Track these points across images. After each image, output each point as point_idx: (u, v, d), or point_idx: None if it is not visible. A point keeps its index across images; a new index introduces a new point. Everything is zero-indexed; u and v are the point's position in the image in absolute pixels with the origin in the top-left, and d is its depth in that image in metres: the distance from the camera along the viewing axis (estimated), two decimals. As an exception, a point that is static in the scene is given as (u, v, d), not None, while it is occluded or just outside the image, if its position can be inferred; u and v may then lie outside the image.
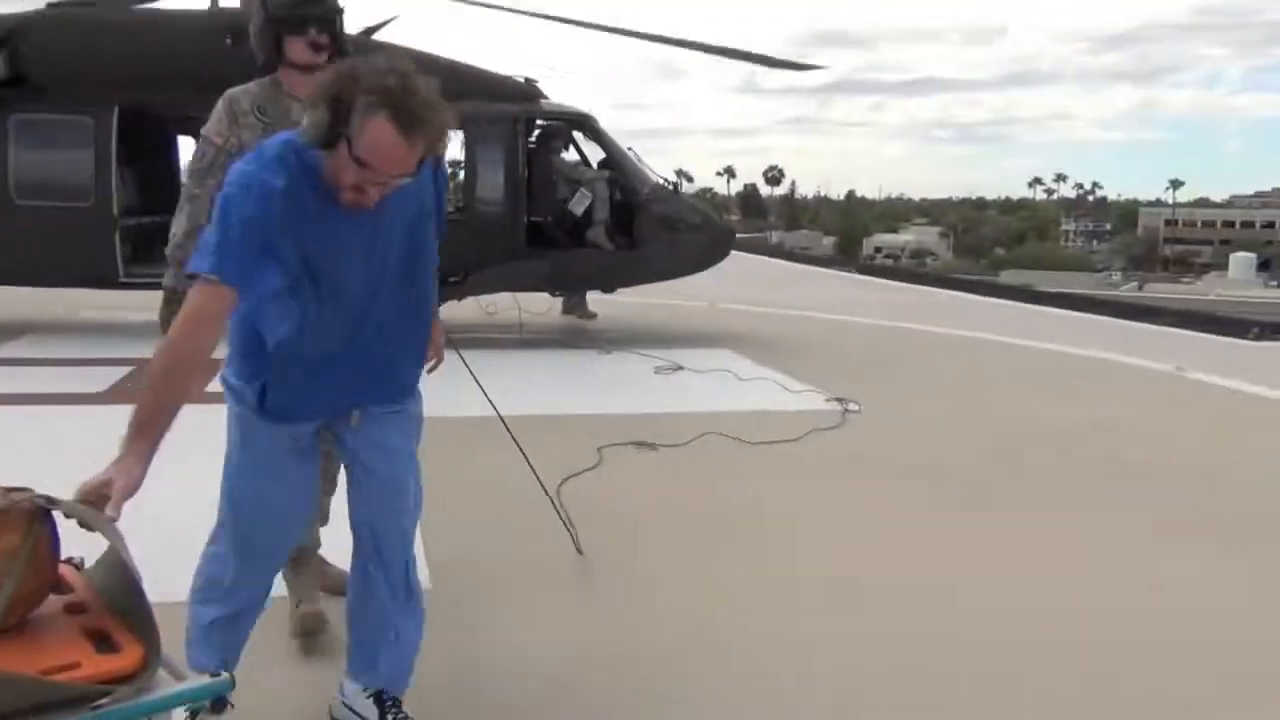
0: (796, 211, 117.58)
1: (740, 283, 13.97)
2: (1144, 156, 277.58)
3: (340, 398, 2.47)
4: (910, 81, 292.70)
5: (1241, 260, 68.22)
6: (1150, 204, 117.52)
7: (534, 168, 9.11)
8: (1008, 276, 46.46)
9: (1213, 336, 10.89)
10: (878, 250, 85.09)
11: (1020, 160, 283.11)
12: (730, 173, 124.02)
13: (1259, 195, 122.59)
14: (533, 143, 9.28)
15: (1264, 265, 74.97)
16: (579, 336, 9.66)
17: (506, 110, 8.63)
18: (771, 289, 14.43)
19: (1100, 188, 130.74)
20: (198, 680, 1.70)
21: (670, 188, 9.36)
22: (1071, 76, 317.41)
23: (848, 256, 57.38)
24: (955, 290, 15.62)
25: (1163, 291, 53.00)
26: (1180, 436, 6.29)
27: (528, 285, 8.95)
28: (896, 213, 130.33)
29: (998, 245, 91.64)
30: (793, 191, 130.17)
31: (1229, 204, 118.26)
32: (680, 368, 7.89)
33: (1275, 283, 65.81)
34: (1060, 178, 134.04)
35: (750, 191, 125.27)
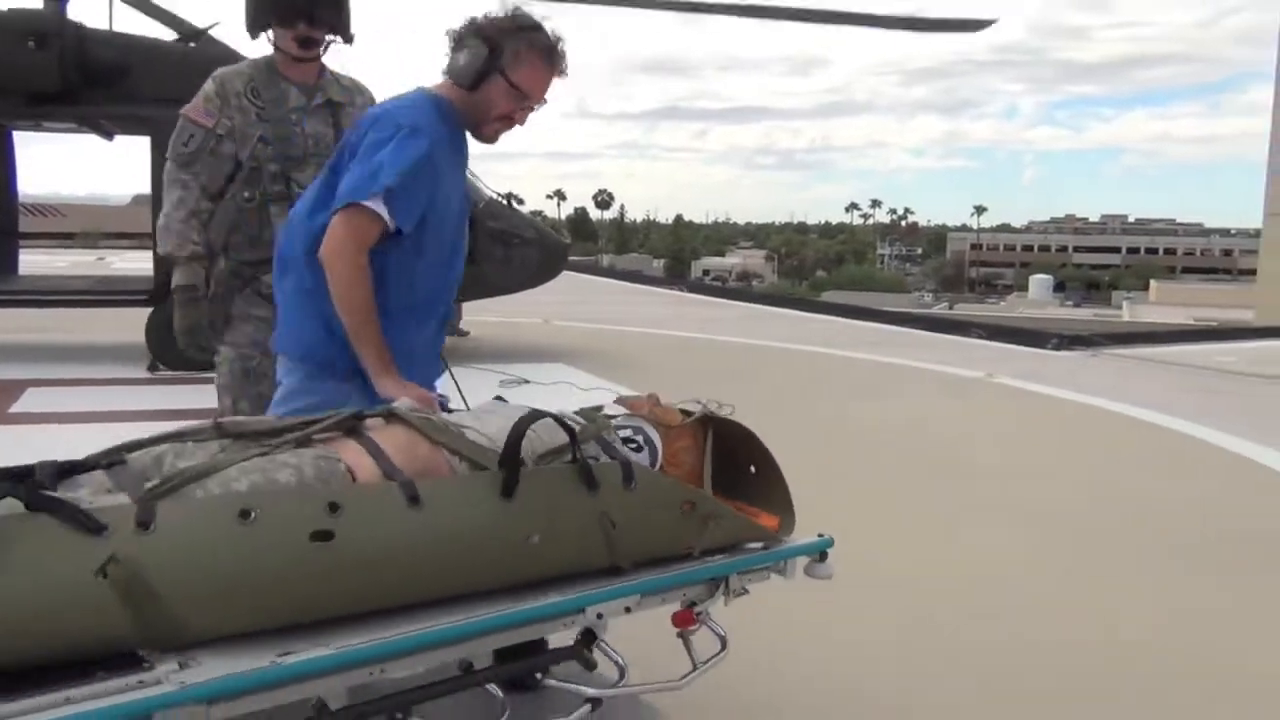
0: (626, 235, 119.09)
1: (576, 300, 14.04)
2: (951, 184, 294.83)
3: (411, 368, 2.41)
4: (734, 109, 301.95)
5: (1040, 282, 73.52)
6: (957, 229, 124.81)
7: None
8: (828, 297, 48.38)
9: (1018, 346, 11.63)
10: (706, 273, 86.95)
11: (838, 186, 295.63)
12: (560, 195, 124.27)
13: (1054, 221, 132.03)
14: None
15: (1060, 286, 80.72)
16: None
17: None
18: (605, 306, 14.56)
19: (912, 213, 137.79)
20: (809, 539, 2.20)
21: (504, 202, 9.31)
22: (885, 107, 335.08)
23: (678, 278, 58.50)
24: (782, 307, 16.13)
25: (972, 311, 56.41)
26: (988, 433, 6.76)
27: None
28: (723, 236, 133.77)
29: (819, 268, 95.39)
30: (622, 215, 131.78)
31: (1028, 229, 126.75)
32: (526, 381, 7.86)
33: (1070, 302, 71.08)
34: (875, 203, 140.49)
35: (581, 215, 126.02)
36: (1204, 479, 5.65)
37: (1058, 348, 11.50)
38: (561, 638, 1.87)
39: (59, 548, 1.42)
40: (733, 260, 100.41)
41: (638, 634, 1.95)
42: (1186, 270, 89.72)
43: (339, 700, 1.50)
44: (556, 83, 2.45)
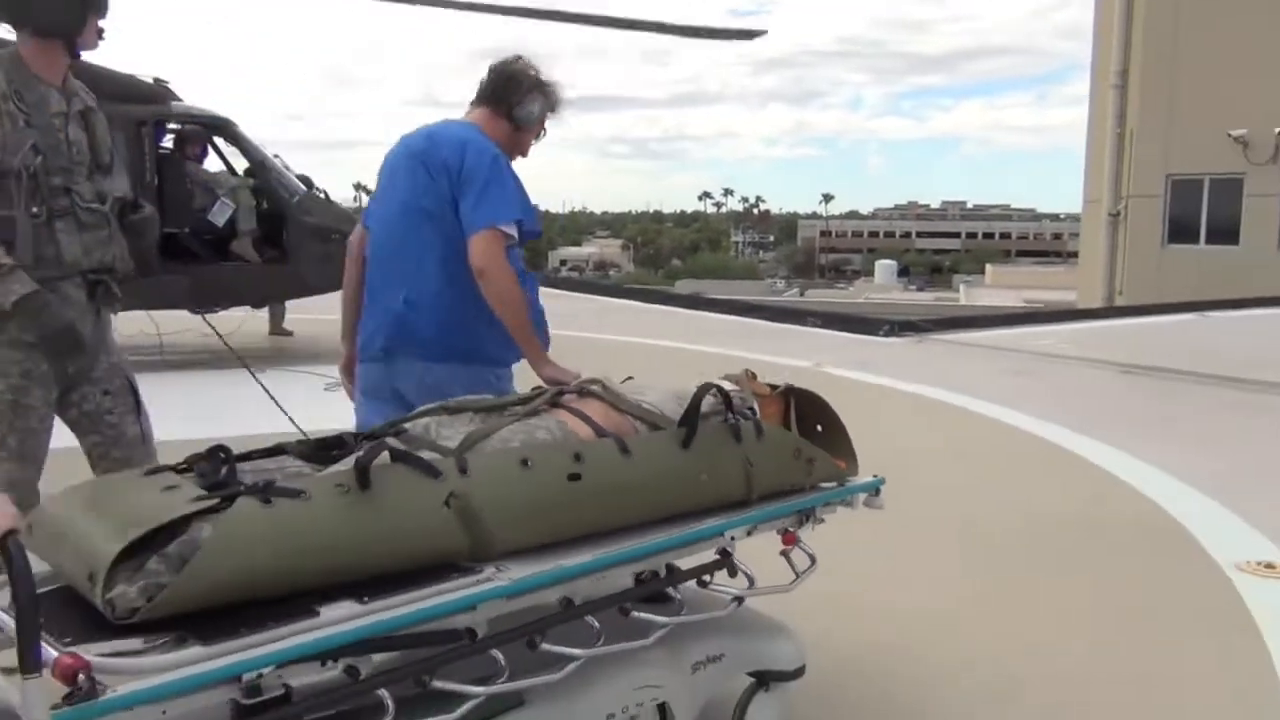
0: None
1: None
2: (801, 172, 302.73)
3: None
4: (589, 98, 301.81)
5: (885, 267, 75.99)
6: (808, 217, 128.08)
7: (166, 175, 8.35)
8: (683, 285, 48.96)
9: (851, 335, 11.91)
10: (563, 263, 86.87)
11: (692, 175, 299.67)
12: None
13: (898, 208, 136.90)
14: (165, 148, 8.55)
15: (904, 271, 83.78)
16: (227, 358, 9.01)
17: (132, 112, 7.88)
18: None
19: (763, 201, 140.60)
20: (869, 479, 2.68)
21: (322, 196, 8.94)
22: (735, 97, 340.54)
23: (534, 269, 57.90)
24: (631, 299, 16.12)
25: (822, 297, 57.93)
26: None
27: (165, 303, 8.17)
28: (579, 226, 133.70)
29: (674, 256, 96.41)
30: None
31: (874, 216, 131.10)
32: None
33: (914, 286, 73.85)
34: (728, 192, 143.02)
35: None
36: (1003, 459, 5.87)
37: (888, 335, 11.84)
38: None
39: (417, 488, 1.91)
40: (589, 250, 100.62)
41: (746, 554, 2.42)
42: (1021, 253, 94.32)
43: (581, 597, 2.04)
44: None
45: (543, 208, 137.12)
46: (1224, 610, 3.64)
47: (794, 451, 2.51)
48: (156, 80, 8.40)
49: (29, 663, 1.36)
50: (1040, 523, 4.63)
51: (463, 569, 1.91)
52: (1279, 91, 17.79)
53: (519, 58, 3.07)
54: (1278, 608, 3.62)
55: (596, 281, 37.73)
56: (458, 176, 2.87)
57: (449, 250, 2.88)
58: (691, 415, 2.34)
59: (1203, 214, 19.34)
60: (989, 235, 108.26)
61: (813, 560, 2.55)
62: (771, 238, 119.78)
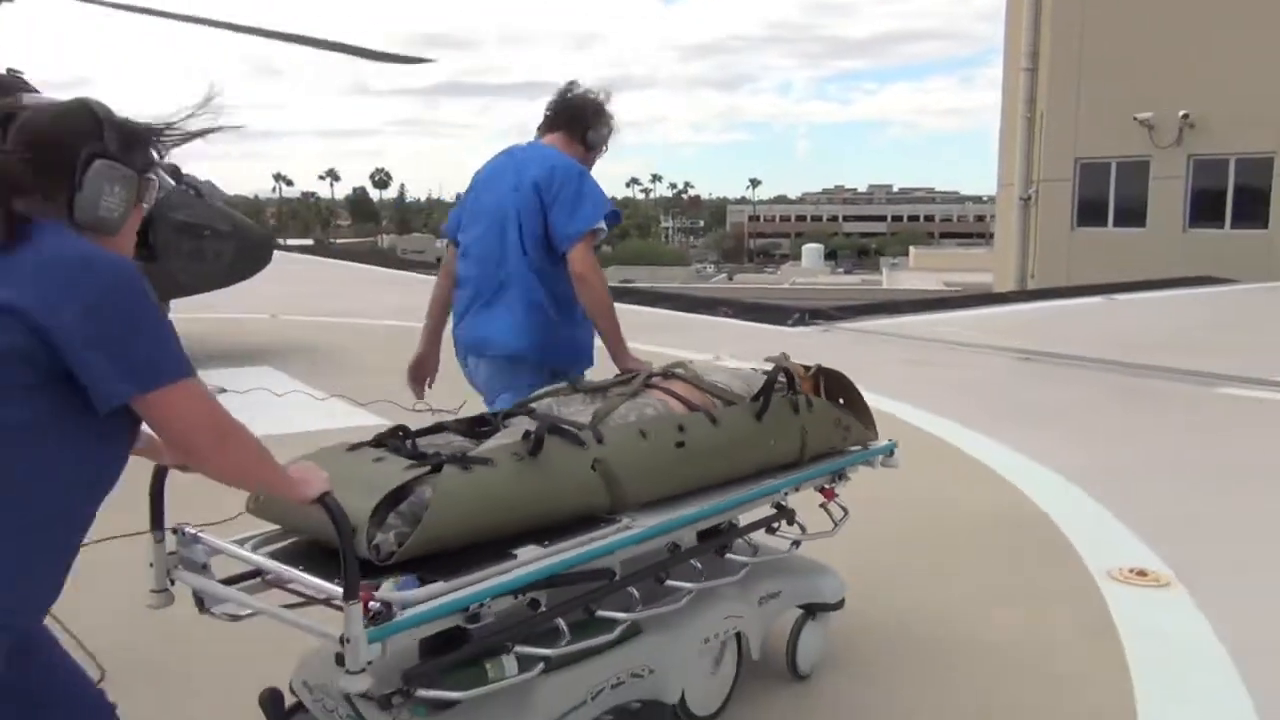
0: (409, 214, 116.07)
1: (317, 291, 13.21)
2: (730, 158, 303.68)
3: None
4: (517, 84, 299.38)
5: (811, 250, 76.56)
6: (737, 202, 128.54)
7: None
8: (613, 271, 48.72)
9: (760, 324, 11.76)
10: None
11: (622, 162, 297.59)
12: (334, 176, 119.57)
13: (825, 192, 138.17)
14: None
15: (832, 255, 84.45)
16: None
17: (-22, 104, 7.35)
18: (350, 297, 13.82)
19: (692, 187, 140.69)
20: (885, 443, 3.13)
21: (193, 192, 8.49)
22: (664, 82, 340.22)
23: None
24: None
25: (750, 281, 58.17)
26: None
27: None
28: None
29: (604, 242, 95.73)
30: (403, 194, 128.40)
31: (802, 200, 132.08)
32: (224, 390, 7.17)
33: (841, 269, 74.50)
34: (656, 178, 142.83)
35: (360, 195, 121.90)
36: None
37: (796, 324, 11.73)
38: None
39: (571, 455, 2.28)
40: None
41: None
42: (945, 235, 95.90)
43: (685, 543, 2.49)
44: None
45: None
46: (1090, 621, 3.49)
47: (835, 420, 3.00)
48: (10, 71, 7.87)
49: (352, 590, 1.73)
50: (913, 526, 4.46)
51: (605, 520, 2.32)
52: (1183, 75, 18.04)
53: (576, 83, 3.47)
54: (1143, 618, 3.49)
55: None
56: (549, 193, 3.25)
57: (537, 260, 3.30)
58: (766, 391, 2.76)
59: (1110, 197, 19.60)
60: (914, 218, 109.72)
61: (845, 511, 3.08)
62: (701, 223, 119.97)
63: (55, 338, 1.48)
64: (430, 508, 1.97)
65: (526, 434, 2.26)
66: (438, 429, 2.53)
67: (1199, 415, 7.13)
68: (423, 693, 1.96)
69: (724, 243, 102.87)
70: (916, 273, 49.08)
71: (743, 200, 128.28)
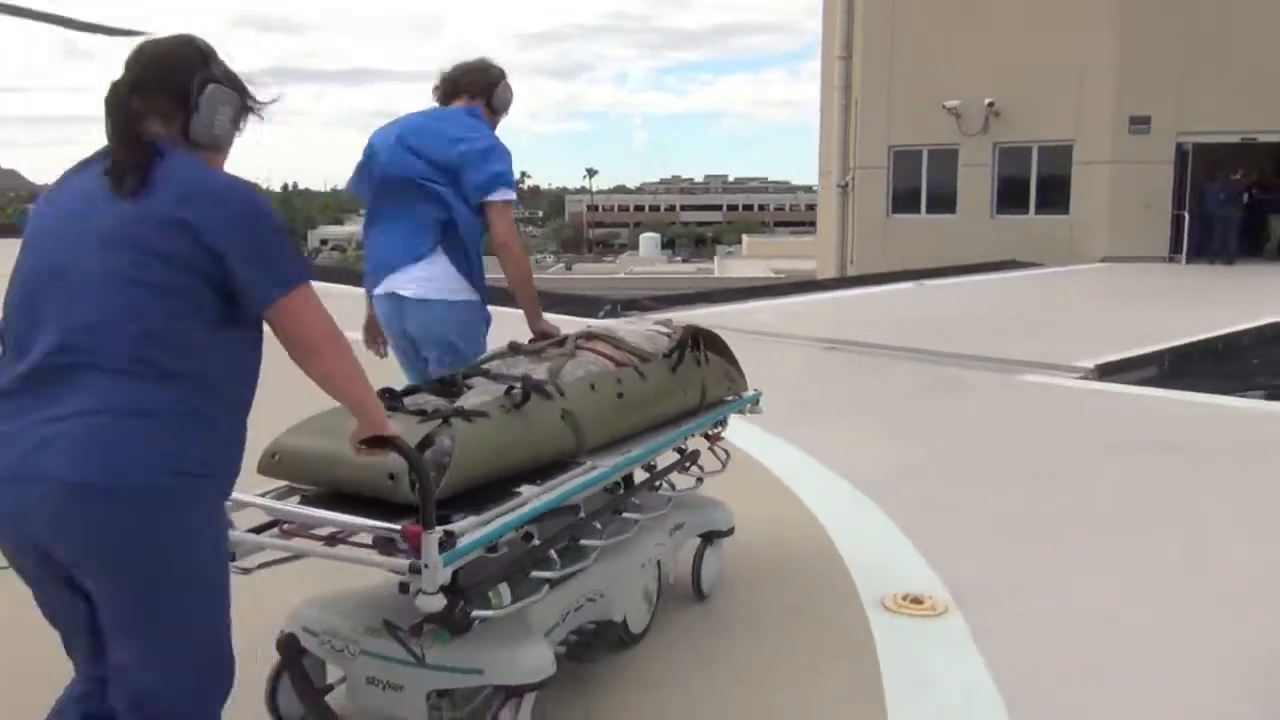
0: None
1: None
2: (568, 147, 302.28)
3: None
4: (351, 70, 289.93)
5: (648, 240, 76.82)
6: (576, 192, 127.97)
7: None
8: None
9: (570, 317, 11.21)
10: (324, 242, 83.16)
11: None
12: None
13: (663, 182, 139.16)
14: None
15: (670, 244, 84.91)
16: None
17: None
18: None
19: (529, 177, 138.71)
20: (753, 392, 3.64)
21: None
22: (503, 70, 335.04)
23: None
24: (345, 284, 14.84)
25: (588, 271, 57.76)
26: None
27: None
28: (343, 204, 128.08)
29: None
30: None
31: (640, 190, 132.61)
32: None
33: (679, 258, 75.01)
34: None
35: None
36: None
37: (607, 315, 11.28)
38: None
39: (545, 407, 2.63)
40: (353, 228, 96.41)
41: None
42: (779, 224, 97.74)
43: (637, 479, 3.11)
44: None
45: (303, 185, 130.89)
46: (850, 666, 3.03)
47: (724, 372, 3.45)
48: None
49: (429, 522, 2.05)
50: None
51: (573, 464, 2.65)
52: (988, 65, 18.39)
53: (482, 59, 3.72)
54: (908, 658, 3.05)
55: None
56: (462, 154, 3.40)
57: (446, 216, 3.42)
58: (680, 349, 3.17)
59: (924, 184, 19.87)
60: (749, 207, 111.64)
61: (728, 454, 3.59)
62: (541, 213, 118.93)
63: (220, 252, 1.79)
64: (454, 454, 2.27)
65: (509, 389, 2.59)
66: (414, 390, 2.73)
67: (1000, 407, 6.96)
68: (478, 612, 2.27)
69: (563, 233, 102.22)
70: (749, 260, 49.64)
71: (583, 190, 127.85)
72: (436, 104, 3.63)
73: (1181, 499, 4.81)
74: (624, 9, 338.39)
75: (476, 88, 3.58)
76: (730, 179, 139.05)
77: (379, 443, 1.99)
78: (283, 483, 2.41)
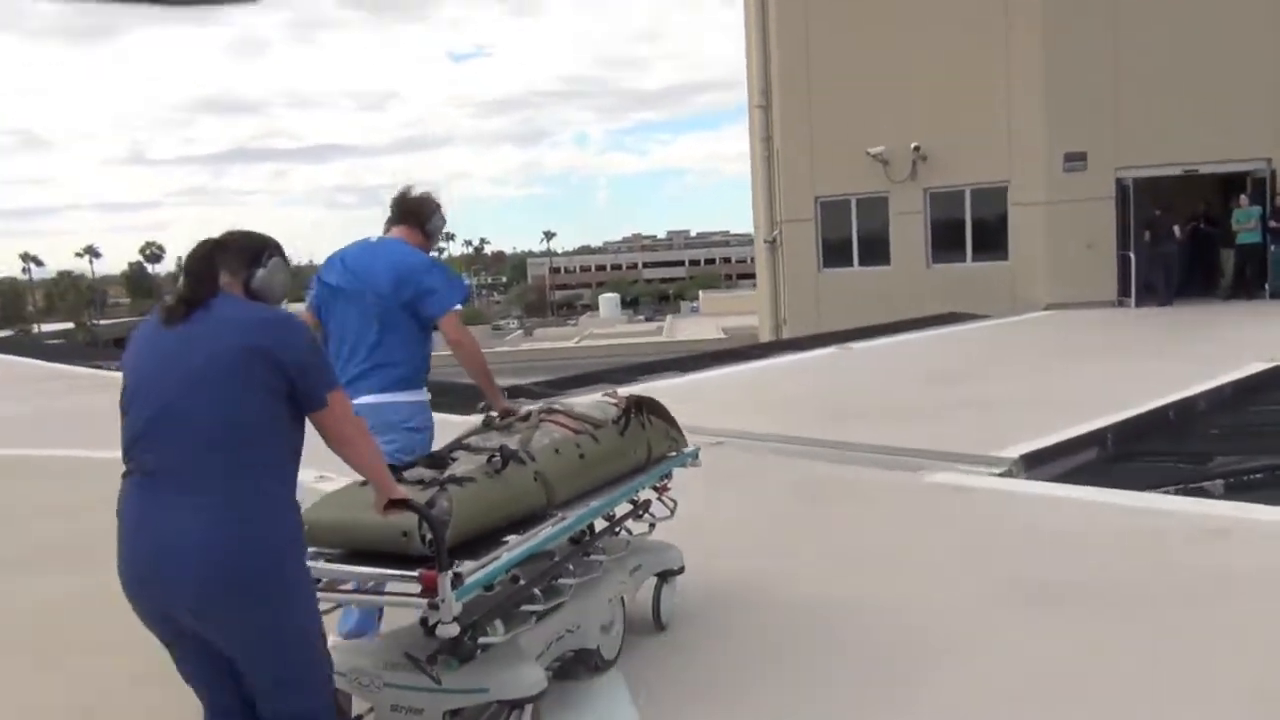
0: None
1: None
2: (531, 211, 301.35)
3: None
4: (310, 148, 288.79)
5: (608, 300, 75.84)
6: (540, 255, 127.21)
7: None
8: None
9: (446, 414, 9.83)
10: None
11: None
12: (93, 252, 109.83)
13: (625, 240, 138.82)
14: None
15: (633, 302, 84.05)
16: None
17: None
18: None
19: (489, 242, 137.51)
20: (693, 449, 4.21)
21: None
22: (464, 139, 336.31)
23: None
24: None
25: (547, 336, 56.54)
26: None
27: None
28: (307, 279, 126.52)
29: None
30: (179, 267, 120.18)
31: (603, 249, 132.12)
32: None
33: (642, 316, 73.91)
34: (449, 236, 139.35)
35: (137, 270, 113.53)
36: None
37: (485, 409, 9.88)
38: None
39: (520, 471, 3.19)
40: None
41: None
42: (741, 277, 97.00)
43: (599, 527, 3.82)
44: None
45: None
46: None
47: (665, 432, 4.04)
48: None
49: (445, 565, 2.64)
50: None
51: (545, 516, 3.21)
52: (911, 106, 17.33)
53: (412, 186, 4.11)
54: None
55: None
56: (407, 279, 3.82)
57: (398, 335, 3.86)
58: (627, 416, 3.81)
59: (854, 235, 18.70)
60: (710, 261, 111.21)
61: (675, 502, 4.10)
62: (505, 279, 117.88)
63: (287, 368, 2.48)
64: (454, 513, 2.82)
65: (490, 457, 3.15)
66: (411, 465, 3.21)
67: (891, 524, 5.60)
68: (484, 639, 2.96)
69: (526, 296, 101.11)
70: (705, 317, 48.55)
71: (547, 253, 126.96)
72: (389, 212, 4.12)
73: (1132, 686, 3.44)
74: (581, 73, 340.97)
75: (414, 217, 4.04)
76: (693, 234, 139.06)
77: (398, 504, 2.69)
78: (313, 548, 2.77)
